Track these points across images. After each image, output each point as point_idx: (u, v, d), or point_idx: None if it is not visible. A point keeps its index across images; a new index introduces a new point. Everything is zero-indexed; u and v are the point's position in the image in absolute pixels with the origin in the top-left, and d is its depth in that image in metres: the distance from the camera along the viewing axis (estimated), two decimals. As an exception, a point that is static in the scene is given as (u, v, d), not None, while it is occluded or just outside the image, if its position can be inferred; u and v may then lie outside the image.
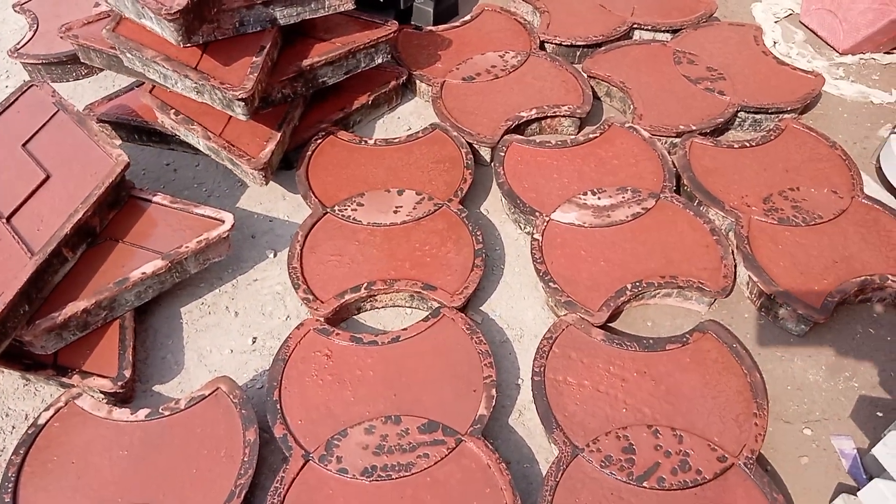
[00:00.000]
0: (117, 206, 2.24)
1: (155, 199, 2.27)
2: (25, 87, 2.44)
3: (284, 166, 2.65)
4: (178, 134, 2.55)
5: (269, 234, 2.49)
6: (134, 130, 2.74)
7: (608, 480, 1.71)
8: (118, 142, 2.79)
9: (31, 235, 2.00)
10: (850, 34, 3.05)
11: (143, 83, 2.60)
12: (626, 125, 2.61)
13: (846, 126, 2.82)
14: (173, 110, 2.49)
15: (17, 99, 2.41)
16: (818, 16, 3.21)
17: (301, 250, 2.26)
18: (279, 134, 2.47)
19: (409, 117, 2.91)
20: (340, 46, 2.57)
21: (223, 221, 2.20)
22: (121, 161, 2.17)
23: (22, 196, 2.10)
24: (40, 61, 2.99)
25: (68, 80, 3.10)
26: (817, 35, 3.22)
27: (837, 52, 3.13)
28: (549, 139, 2.61)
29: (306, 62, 2.50)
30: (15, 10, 3.30)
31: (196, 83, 2.26)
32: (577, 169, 2.48)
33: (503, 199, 2.44)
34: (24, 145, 2.25)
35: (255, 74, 2.25)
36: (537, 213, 2.33)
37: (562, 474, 1.72)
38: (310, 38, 2.61)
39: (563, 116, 2.72)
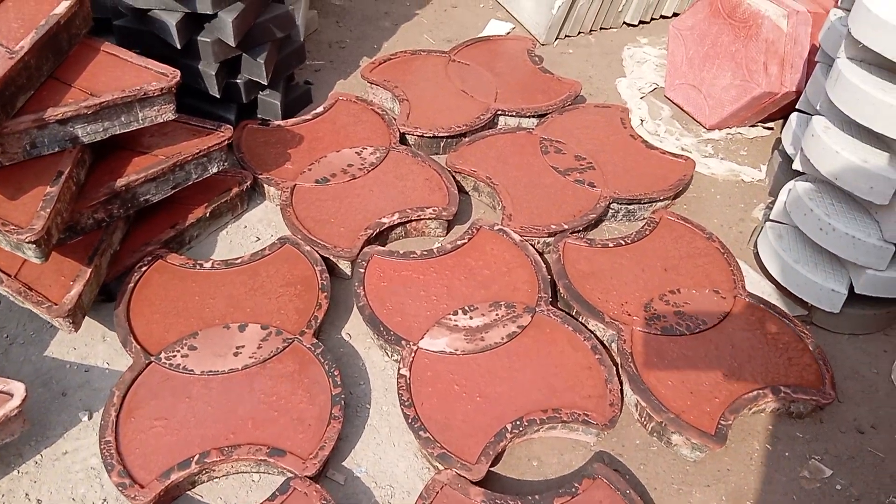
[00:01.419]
0: None
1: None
2: None
3: (105, 298, 2.25)
4: (-34, 273, 2.10)
5: (85, 388, 2.07)
6: (-85, 268, 2.27)
7: None
8: None
9: None
10: (716, 110, 3.00)
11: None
12: (496, 227, 2.39)
13: (720, 209, 2.72)
14: (-43, 247, 2.05)
15: None
16: (682, 91, 3.15)
17: (116, 417, 1.86)
18: (90, 269, 2.07)
19: (257, 225, 2.58)
20: (164, 160, 2.22)
21: (11, 395, 1.78)
22: None
23: None
24: None
25: None
26: (683, 110, 3.16)
27: (704, 127, 3.07)
28: (414, 250, 2.34)
29: (121, 182, 2.14)
30: None
31: (-27, 224, 1.85)
32: (446, 283, 2.22)
33: (365, 324, 2.14)
34: None
35: (49, 209, 1.87)
36: (404, 342, 2.04)
37: None
38: (126, 150, 2.25)
39: (429, 219, 2.47)
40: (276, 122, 2.83)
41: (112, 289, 2.24)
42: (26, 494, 1.84)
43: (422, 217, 2.46)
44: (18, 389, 1.79)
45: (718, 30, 2.98)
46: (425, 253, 2.33)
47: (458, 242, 2.36)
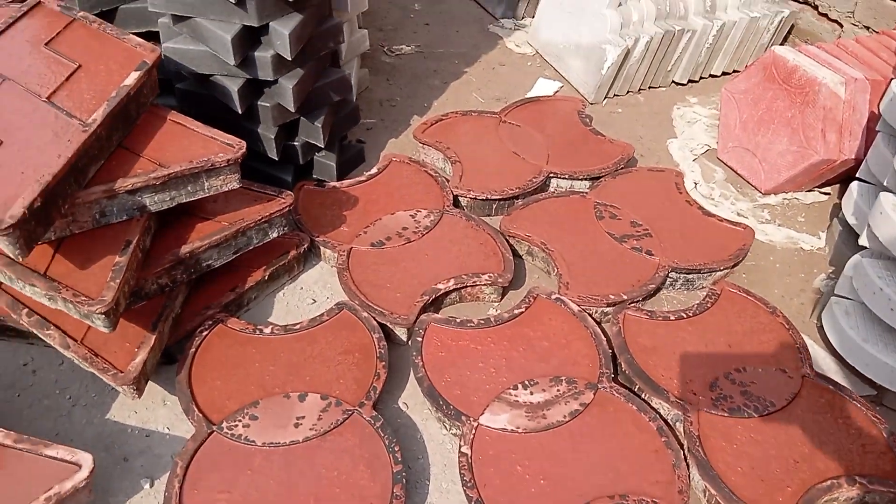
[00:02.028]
0: (-58, 454, 1.79)
1: (-7, 437, 1.83)
2: None
3: (166, 360, 2.26)
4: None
5: (146, 454, 2.07)
6: (-17, 326, 2.30)
7: None
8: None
9: None
10: (771, 175, 2.97)
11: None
12: (553, 297, 2.37)
13: (780, 278, 2.67)
14: (26, 310, 2.07)
15: None
16: (736, 154, 3.13)
17: (180, 489, 1.85)
18: (154, 336, 2.09)
19: (313, 287, 2.59)
20: (227, 226, 2.24)
21: (80, 466, 1.78)
22: (-55, 400, 1.74)
23: None
24: None
25: None
26: (737, 173, 3.13)
27: (760, 192, 3.03)
28: (471, 318, 2.33)
29: (185, 248, 2.16)
30: None
31: (45, 292, 1.87)
32: (505, 354, 2.20)
33: (424, 396, 2.12)
34: None
35: (119, 280, 1.89)
36: (464, 417, 2.02)
37: None
38: (189, 215, 2.28)
39: (485, 285, 2.46)
40: (332, 183, 2.85)
41: (172, 351, 2.25)
42: (86, 567, 1.83)
43: (477, 283, 2.45)
44: (87, 460, 1.79)
45: (773, 95, 2.96)
46: (482, 322, 2.31)
47: (516, 311, 2.33)
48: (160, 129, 2.15)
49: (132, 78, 2.08)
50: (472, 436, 1.98)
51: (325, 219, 2.68)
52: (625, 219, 2.70)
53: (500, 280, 2.44)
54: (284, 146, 2.74)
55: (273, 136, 2.63)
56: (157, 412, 2.18)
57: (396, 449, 1.95)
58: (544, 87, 3.60)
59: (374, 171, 2.92)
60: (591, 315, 2.36)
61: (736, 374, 2.15)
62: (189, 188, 2.09)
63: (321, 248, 2.61)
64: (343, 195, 2.78)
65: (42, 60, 2.13)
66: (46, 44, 2.19)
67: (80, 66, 2.12)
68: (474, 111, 3.27)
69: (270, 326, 2.29)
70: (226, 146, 2.11)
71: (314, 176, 2.92)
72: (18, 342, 2.35)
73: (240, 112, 2.51)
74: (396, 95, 3.55)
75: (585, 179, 2.93)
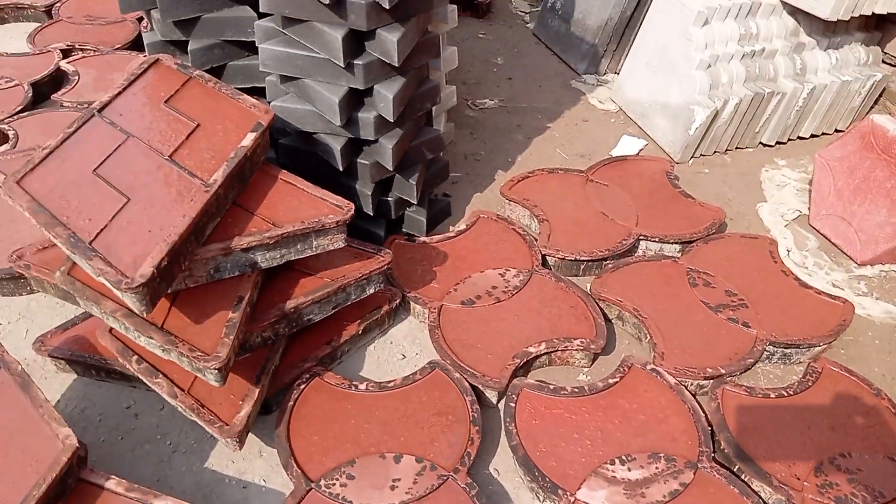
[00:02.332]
0: (62, 498, 1.85)
1: (107, 484, 1.89)
2: (-39, 340, 2.10)
3: (262, 411, 2.30)
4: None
5: (242, 506, 2.11)
6: (90, 367, 2.39)
7: None
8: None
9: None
10: (869, 246, 2.89)
11: (102, 323, 2.28)
12: (648, 367, 2.34)
13: (880, 356, 2.59)
14: (135, 357, 2.15)
15: (-49, 353, 2.06)
16: (830, 222, 3.06)
17: (280, 546, 1.88)
18: (258, 389, 2.14)
19: (402, 342, 2.62)
20: (329, 283, 2.30)
21: (186, 521, 1.83)
22: (69, 446, 1.81)
23: (-60, 499, 1.71)
24: (-12, 277, 2.66)
25: (21, 295, 2.76)
26: (831, 242, 3.06)
27: (855, 262, 2.96)
28: (565, 385, 2.32)
29: (291, 304, 2.21)
30: (-34, 213, 3.00)
31: (162, 345, 1.94)
32: (600, 426, 2.18)
33: (517, 465, 2.11)
34: (-47, 419, 1.89)
35: (232, 336, 1.95)
36: (560, 491, 2.00)
37: None
38: (294, 271, 2.34)
39: (576, 350, 2.45)
40: (422, 239, 2.89)
41: (269, 402, 2.29)
42: None
43: (569, 348, 2.44)
44: (193, 515, 1.84)
45: (872, 164, 2.90)
46: (576, 390, 2.29)
47: (610, 381, 2.31)
48: (272, 188, 2.23)
49: (249, 139, 2.16)
50: (569, 510, 1.96)
51: (415, 274, 2.71)
52: (719, 287, 2.67)
53: (592, 346, 2.43)
54: (378, 201, 2.80)
55: (370, 193, 2.69)
56: (253, 463, 2.21)
57: (492, 519, 1.94)
58: (629, 145, 3.60)
59: (462, 227, 2.95)
60: (687, 388, 2.32)
61: (841, 459, 2.08)
62: (298, 247, 2.15)
63: (411, 303, 2.64)
64: (433, 251, 2.82)
65: (163, 118, 2.23)
66: (166, 101, 2.30)
67: (198, 125, 2.21)
68: (560, 169, 3.29)
69: (365, 383, 2.32)
70: (335, 207, 2.17)
71: (404, 230, 2.97)
72: (122, 385, 2.43)
73: (341, 169, 2.58)
74: (480, 149, 3.60)
75: (676, 243, 2.90)
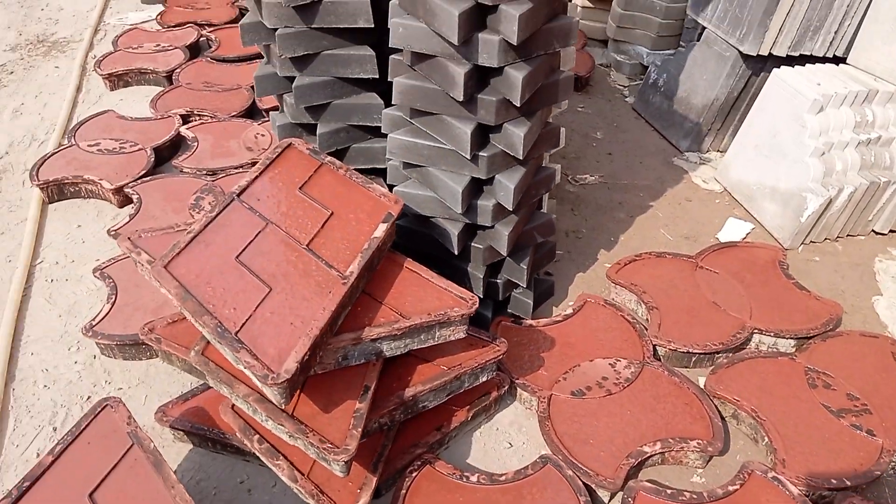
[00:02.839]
0: (185, 580, 1.91)
1: (231, 567, 1.94)
2: (98, 409, 2.20)
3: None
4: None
5: None
6: (207, 440, 2.48)
7: None
8: (188, 446, 2.51)
9: None
10: None
11: (227, 399, 2.36)
12: (770, 475, 2.26)
13: None
14: (257, 437, 2.22)
15: (88, 424, 2.17)
16: (956, 322, 2.93)
17: None
18: (374, 478, 2.17)
19: (508, 429, 2.61)
20: (445, 371, 2.33)
21: None
22: (199, 530, 1.86)
23: (82, 575, 1.79)
24: (115, 342, 2.80)
25: (140, 359, 2.89)
26: (957, 343, 2.92)
27: None
28: (683, 490, 2.26)
29: (409, 392, 2.25)
30: (94, 276, 3.19)
31: (290, 432, 2.00)
32: (720, 536, 2.11)
33: (634, 572, 2.06)
34: (91, 494, 1.98)
35: (360, 428, 1.99)
36: None
37: None
38: (411, 357, 2.38)
39: (691, 451, 2.39)
40: (528, 322, 2.90)
41: (379, 488, 2.31)
42: None
43: (684, 448, 2.39)
44: None
45: None
46: (694, 496, 2.23)
47: (730, 488, 2.24)
48: (398, 277, 2.29)
49: (381, 230, 2.23)
50: None
51: (522, 359, 2.72)
52: (840, 389, 2.57)
53: (710, 449, 2.37)
54: (487, 283, 2.83)
55: (481, 276, 2.73)
56: (364, 549, 2.23)
57: None
58: (735, 229, 3.55)
59: (569, 311, 2.95)
60: (809, 497, 2.23)
61: None
62: (422, 337, 2.19)
63: (518, 389, 2.64)
64: (540, 335, 2.82)
65: (299, 205, 2.33)
66: (300, 188, 2.40)
67: (332, 214, 2.30)
68: (668, 253, 3.26)
69: (477, 475, 2.32)
70: (460, 300, 2.20)
71: (509, 311, 2.99)
72: (236, 458, 2.51)
73: (456, 253, 2.63)
74: (582, 227, 3.61)
75: (791, 338, 2.82)
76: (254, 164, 3.87)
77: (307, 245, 2.18)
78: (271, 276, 2.08)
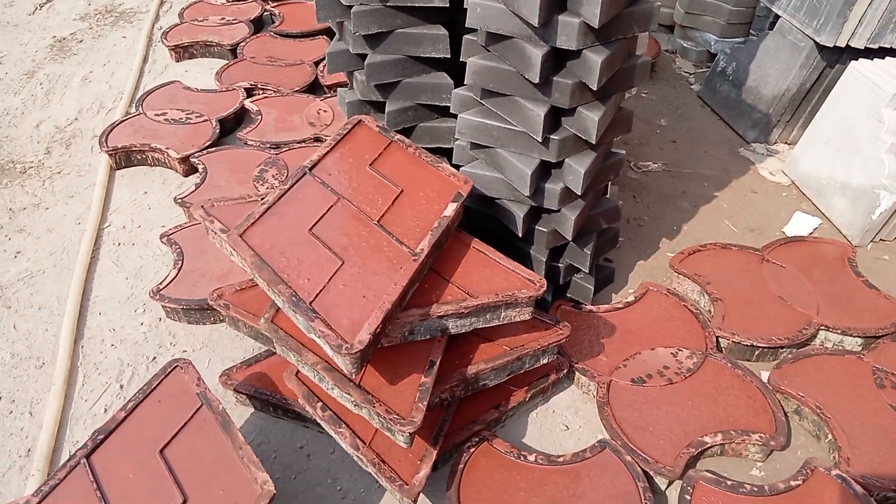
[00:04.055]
0: (252, 540, 1.96)
1: (295, 530, 1.99)
2: (169, 369, 2.27)
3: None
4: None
5: (410, 563, 2.16)
6: (269, 404, 2.53)
7: None
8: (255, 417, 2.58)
9: (161, 590, 1.73)
10: None
11: (291, 367, 2.41)
12: (834, 473, 2.23)
13: None
14: (320, 404, 2.26)
15: (159, 384, 2.24)
16: None
17: None
18: (434, 450, 2.19)
19: (565, 412, 2.61)
20: (508, 351, 2.34)
21: (372, 579, 1.89)
22: (266, 492, 1.92)
23: (155, 528, 1.86)
24: (181, 306, 2.88)
25: (204, 324, 2.97)
26: None
27: None
28: (743, 482, 2.24)
29: (471, 369, 2.27)
30: (161, 241, 3.27)
31: (357, 401, 2.03)
32: (781, 531, 2.09)
33: (691, 562, 2.06)
34: (161, 451, 2.05)
35: (426, 401, 2.01)
36: None
37: None
38: (474, 335, 2.39)
39: (752, 444, 2.37)
40: (588, 307, 2.89)
41: (436, 461, 2.34)
42: None
43: (746, 441, 2.36)
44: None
45: None
46: (755, 489, 2.21)
47: (792, 483, 2.22)
48: (465, 256, 2.30)
49: (450, 209, 2.24)
50: None
51: (582, 344, 2.71)
52: (909, 392, 2.51)
53: (772, 443, 2.34)
54: (549, 266, 2.82)
55: (544, 259, 2.72)
56: (420, 520, 2.27)
57: None
58: (802, 223, 3.47)
59: (630, 298, 2.93)
60: (874, 497, 2.19)
61: None
62: (487, 316, 2.20)
63: (577, 373, 2.63)
64: (600, 321, 2.81)
65: (369, 182, 2.36)
66: (370, 164, 2.42)
67: (402, 191, 2.32)
68: (733, 245, 3.20)
69: (534, 455, 2.33)
70: (528, 282, 2.21)
71: (568, 296, 2.98)
72: (295, 424, 2.56)
73: (520, 235, 2.62)
74: (644, 215, 3.57)
75: (859, 337, 2.76)
76: (317, 139, 3.92)
77: (378, 221, 2.20)
78: (343, 249, 2.10)
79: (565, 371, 2.60)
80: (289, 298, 1.94)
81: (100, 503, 1.91)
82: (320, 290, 1.96)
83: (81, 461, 2.02)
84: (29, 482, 2.39)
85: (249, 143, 3.93)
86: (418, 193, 2.31)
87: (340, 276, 2.02)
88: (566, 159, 2.46)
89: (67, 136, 4.25)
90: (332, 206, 2.23)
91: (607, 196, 2.94)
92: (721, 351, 2.73)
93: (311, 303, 1.93)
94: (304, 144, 3.89)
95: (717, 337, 2.74)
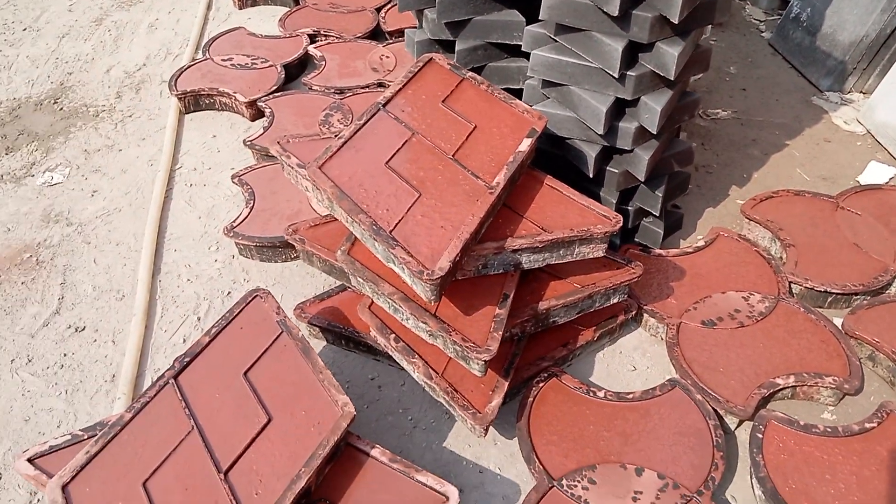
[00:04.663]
0: (333, 460, 2.04)
1: (372, 452, 2.06)
2: (249, 298, 2.35)
3: (497, 402, 2.40)
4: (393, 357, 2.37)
5: (479, 490, 2.22)
6: (342, 337, 2.60)
7: None
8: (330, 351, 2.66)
9: (249, 500, 1.82)
10: None
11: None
12: (911, 417, 2.20)
13: None
14: (393, 336, 2.31)
15: (240, 312, 2.32)
16: None
17: (526, 538, 1.96)
18: (506, 382, 2.23)
19: (632, 353, 2.62)
20: (579, 289, 2.35)
21: (447, 498, 1.96)
22: (347, 414, 1.99)
23: (242, 443, 1.95)
24: (254, 243, 2.96)
25: (276, 262, 3.05)
26: None
27: None
28: (815, 423, 2.23)
29: (543, 305, 2.29)
30: (233, 182, 3.34)
31: (433, 330, 2.07)
32: (855, 471, 2.08)
33: (763, 496, 2.07)
34: (245, 373, 2.13)
35: (500, 331, 2.04)
36: (812, 532, 1.94)
37: None
38: (545, 273, 2.40)
39: (824, 387, 2.34)
40: (657, 251, 2.87)
41: (504, 395, 2.38)
42: (432, 588, 1.99)
43: (818, 384, 2.34)
44: (453, 494, 1.96)
45: None
46: (829, 430, 2.20)
47: (866, 425, 2.20)
48: (538, 192, 2.30)
49: (525, 145, 2.24)
50: (822, 555, 1.90)
51: (651, 287, 2.70)
52: None
53: (846, 386, 2.31)
54: (618, 209, 2.81)
55: (613, 201, 2.70)
56: (488, 450, 2.32)
57: (739, 549, 1.92)
58: (877, 172, 3.36)
59: (700, 243, 2.90)
60: (951, 444, 2.16)
61: None
62: (561, 252, 2.21)
63: (645, 315, 2.63)
64: (669, 265, 2.79)
65: (442, 118, 2.36)
66: (443, 101, 2.43)
67: (476, 127, 2.32)
68: (807, 192, 3.13)
69: (604, 391, 2.35)
70: (603, 218, 2.20)
71: (636, 240, 2.96)
72: (366, 357, 2.63)
73: (591, 176, 2.61)
74: (713, 162, 3.50)
75: (937, 286, 2.69)
76: (380, 84, 3.93)
77: (452, 155, 2.22)
78: (420, 182, 2.13)
79: (634, 313, 2.60)
80: (369, 227, 1.97)
81: (189, 420, 2.00)
82: (399, 221, 2.00)
83: (170, 381, 2.11)
84: (115, 404, 2.52)
85: (314, 88, 3.96)
86: (492, 129, 2.31)
87: (418, 207, 2.04)
88: (642, 97, 2.43)
89: (136, 81, 4.35)
90: (406, 141, 2.25)
91: (679, 139, 2.89)
92: (793, 297, 2.69)
93: (391, 231, 1.96)
94: (367, 90, 3.90)
95: (789, 282, 2.70)
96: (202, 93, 3.95)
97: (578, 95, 2.48)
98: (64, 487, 1.87)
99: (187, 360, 2.17)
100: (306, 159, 2.45)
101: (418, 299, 2.12)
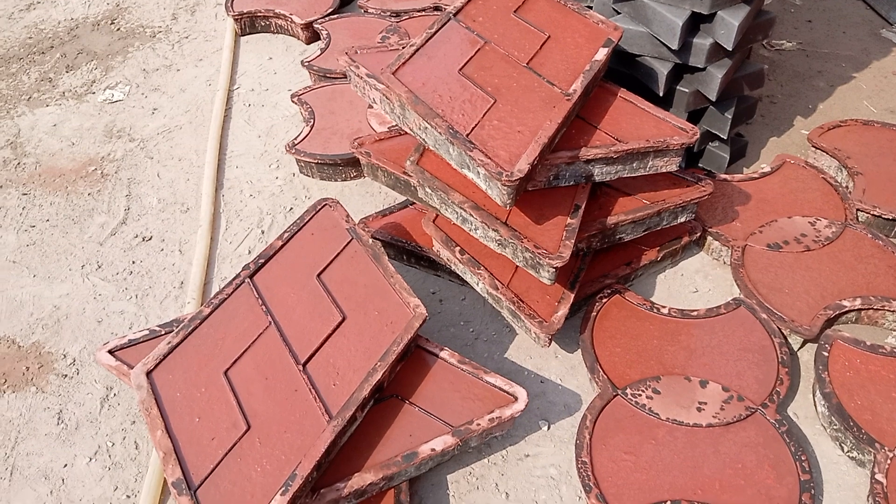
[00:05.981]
0: (404, 359, 2.09)
1: (441, 354, 2.10)
2: (319, 206, 2.38)
3: (559, 317, 2.43)
4: (456, 270, 2.40)
5: (541, 399, 2.26)
6: (404, 252, 2.64)
7: None
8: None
9: (327, 390, 1.88)
10: None
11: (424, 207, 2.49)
12: (982, 341, 2.18)
13: None
14: (458, 248, 2.34)
15: (310, 219, 2.36)
16: None
17: (590, 440, 2.01)
18: (571, 294, 2.25)
19: (693, 276, 2.62)
20: (648, 205, 2.33)
21: (516, 399, 2.00)
22: (419, 314, 2.03)
23: (319, 339, 2.00)
24: (315, 160, 2.98)
25: (336, 181, 3.08)
26: None
27: None
28: (882, 343, 2.22)
29: (611, 220, 2.29)
30: (292, 101, 3.36)
31: (503, 238, 2.09)
32: (922, 391, 2.08)
33: (827, 411, 2.08)
34: (318, 275, 2.18)
35: (572, 240, 2.05)
36: (877, 444, 1.95)
37: None
38: (613, 189, 2.40)
39: (890, 311, 2.33)
40: (722, 176, 2.84)
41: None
42: (496, 484, 2.06)
43: (885, 308, 2.32)
44: (522, 394, 2.00)
45: None
46: (895, 351, 2.19)
47: (936, 348, 2.19)
48: (612, 104, 2.28)
49: (601, 54, 2.21)
50: (887, 465, 1.91)
51: (716, 210, 2.68)
52: None
53: (915, 310, 2.29)
54: (684, 132, 2.77)
55: (682, 122, 2.66)
56: (549, 362, 2.35)
57: (803, 458, 1.94)
58: (950, 105, 3.26)
59: (766, 169, 2.86)
60: None
61: None
62: (634, 165, 2.20)
63: (708, 238, 2.62)
64: (735, 189, 2.76)
65: (515, 27, 2.33)
66: (515, 11, 2.39)
67: (549, 37, 2.29)
68: (876, 122, 3.05)
69: (668, 308, 2.36)
70: (679, 130, 2.18)
71: (700, 165, 2.93)
72: (427, 272, 2.66)
73: (661, 94, 2.57)
74: (777, 93, 3.42)
75: None
76: (436, 8, 3.87)
77: (527, 63, 2.20)
78: (495, 88, 2.12)
79: (698, 235, 2.59)
80: (446, 130, 1.98)
81: (266, 316, 2.06)
82: (475, 125, 2.00)
83: (246, 280, 2.17)
84: (185, 308, 2.59)
85: (370, 11, 3.92)
86: (566, 39, 2.28)
87: (494, 112, 2.04)
88: (719, 12, 2.37)
89: (192, 2, 4.35)
90: (479, 49, 2.24)
91: (750, 60, 2.82)
92: (860, 224, 2.65)
93: (467, 135, 1.96)
94: (423, 13, 3.86)
95: (857, 210, 2.66)
96: (258, 14, 3.94)
97: (653, 9, 2.43)
98: (148, 374, 1.95)
99: (262, 261, 2.22)
100: (375, 70, 2.44)
101: (489, 207, 2.13)
